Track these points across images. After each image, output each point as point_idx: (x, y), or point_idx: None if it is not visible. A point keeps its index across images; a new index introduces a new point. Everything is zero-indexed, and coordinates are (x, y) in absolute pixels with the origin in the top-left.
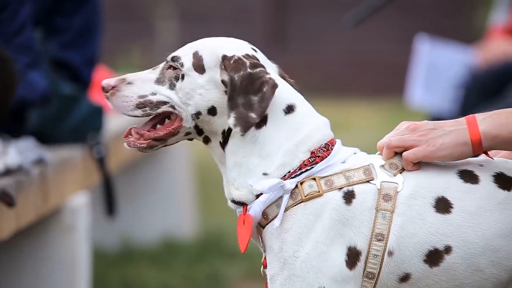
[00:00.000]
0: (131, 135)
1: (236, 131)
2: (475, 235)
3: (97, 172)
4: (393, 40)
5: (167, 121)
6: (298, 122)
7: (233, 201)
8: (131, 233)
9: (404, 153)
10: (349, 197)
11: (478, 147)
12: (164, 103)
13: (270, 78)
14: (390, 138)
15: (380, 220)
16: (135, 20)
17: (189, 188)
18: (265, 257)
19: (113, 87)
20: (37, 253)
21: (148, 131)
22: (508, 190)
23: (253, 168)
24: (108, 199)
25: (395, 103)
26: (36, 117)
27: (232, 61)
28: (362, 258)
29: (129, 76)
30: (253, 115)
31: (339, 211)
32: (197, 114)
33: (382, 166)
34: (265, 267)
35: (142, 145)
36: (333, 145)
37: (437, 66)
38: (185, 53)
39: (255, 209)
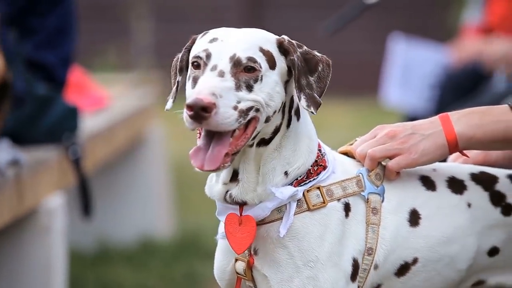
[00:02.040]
0: (224, 162)
1: (310, 110)
2: (437, 242)
3: (72, 173)
4: (367, 39)
5: (236, 131)
6: (308, 120)
7: (235, 201)
8: (108, 234)
9: (388, 164)
10: (347, 209)
11: (455, 148)
12: (251, 108)
13: (322, 56)
14: (373, 149)
15: (371, 234)
16: (110, 20)
17: (166, 188)
18: (250, 255)
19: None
20: (12, 254)
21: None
22: (461, 194)
23: (283, 164)
24: (84, 200)
25: (370, 102)
26: (10, 118)
27: (286, 43)
28: (359, 271)
29: (215, 89)
30: (316, 96)
31: (343, 223)
32: (273, 114)
33: (369, 176)
34: (250, 265)
35: (228, 164)
36: (320, 149)
37: (412, 65)
38: (252, 52)
39: (258, 212)
